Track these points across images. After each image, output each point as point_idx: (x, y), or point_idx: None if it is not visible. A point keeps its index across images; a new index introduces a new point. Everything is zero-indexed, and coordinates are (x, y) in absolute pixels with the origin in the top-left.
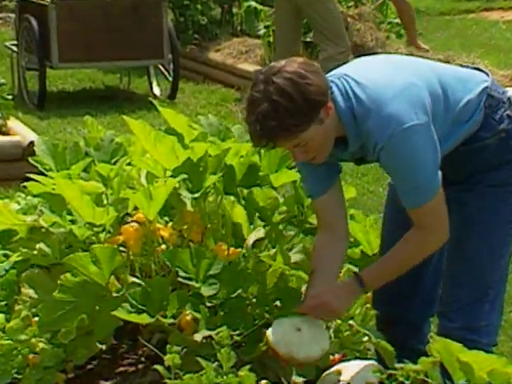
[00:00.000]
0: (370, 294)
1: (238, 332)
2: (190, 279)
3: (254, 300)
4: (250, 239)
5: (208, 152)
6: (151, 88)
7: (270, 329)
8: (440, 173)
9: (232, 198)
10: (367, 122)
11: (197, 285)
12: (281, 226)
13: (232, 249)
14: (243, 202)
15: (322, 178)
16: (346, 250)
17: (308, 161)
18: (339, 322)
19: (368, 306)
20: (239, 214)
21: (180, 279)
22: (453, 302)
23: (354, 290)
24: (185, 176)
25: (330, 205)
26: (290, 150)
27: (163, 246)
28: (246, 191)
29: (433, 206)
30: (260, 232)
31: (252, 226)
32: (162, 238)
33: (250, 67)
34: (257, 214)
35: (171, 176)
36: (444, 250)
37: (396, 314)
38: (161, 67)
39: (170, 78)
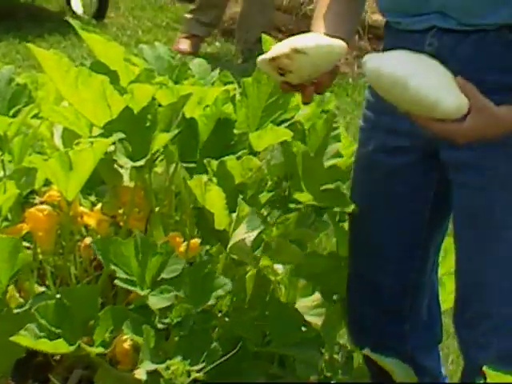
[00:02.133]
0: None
1: (198, 366)
2: (132, 283)
3: (226, 319)
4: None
5: (156, 99)
6: (68, 1)
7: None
8: None
9: (200, 175)
10: None
11: (142, 292)
12: (265, 209)
13: (194, 241)
14: (213, 179)
15: None
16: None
17: None
18: None
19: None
20: (214, 195)
21: (118, 283)
22: (481, 320)
23: None
24: (121, 135)
25: None
26: None
27: (88, 240)
28: (214, 162)
29: None
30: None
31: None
32: (87, 227)
33: None
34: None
35: (100, 135)
36: (435, 261)
37: (383, 346)
38: None
39: None
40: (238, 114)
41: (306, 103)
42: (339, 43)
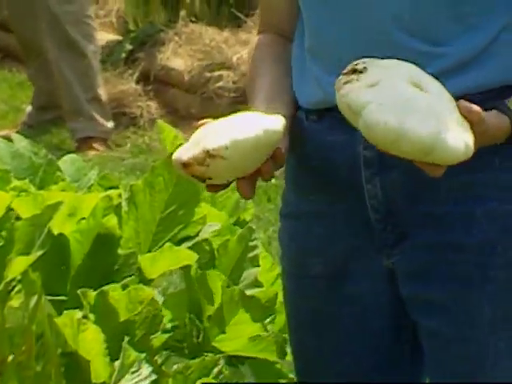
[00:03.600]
0: None
1: None
2: None
3: None
4: None
5: (13, 210)
6: None
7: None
8: None
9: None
10: None
11: None
12: (159, 357)
13: None
14: (90, 315)
15: None
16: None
17: None
18: None
19: None
20: (90, 337)
21: None
22: None
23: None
24: None
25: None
26: None
27: None
28: (92, 293)
29: None
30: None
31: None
32: None
33: None
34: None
35: None
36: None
37: None
38: None
39: None
40: (123, 228)
41: (246, 199)
42: (273, 128)
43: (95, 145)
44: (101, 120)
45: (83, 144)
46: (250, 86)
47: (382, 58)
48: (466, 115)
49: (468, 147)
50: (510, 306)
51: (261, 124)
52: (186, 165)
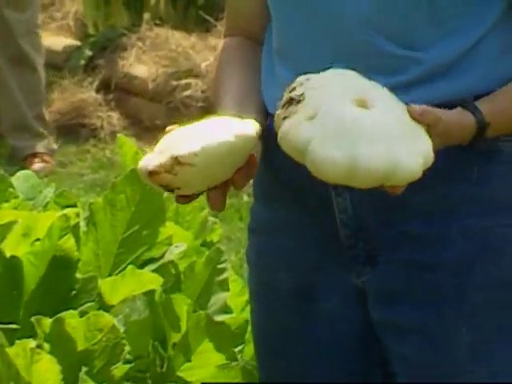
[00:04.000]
0: None
1: None
2: None
3: None
4: None
5: None
6: None
7: None
8: None
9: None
10: None
11: None
12: None
13: None
14: (44, 345)
15: None
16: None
17: None
18: None
19: None
20: (44, 368)
21: None
22: None
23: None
24: None
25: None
26: None
27: None
28: (47, 321)
29: None
30: None
31: None
32: None
33: None
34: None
35: None
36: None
37: None
38: None
39: None
40: (82, 250)
41: (216, 211)
42: (246, 133)
43: (44, 160)
44: (47, 136)
45: (31, 161)
46: (217, 90)
47: (349, 63)
48: (419, 119)
49: (426, 157)
50: (490, 328)
51: (233, 129)
52: (152, 173)
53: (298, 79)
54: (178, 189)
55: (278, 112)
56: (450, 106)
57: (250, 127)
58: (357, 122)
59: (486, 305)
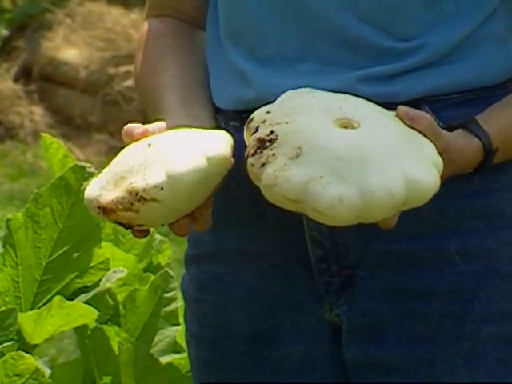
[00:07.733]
0: None
1: None
2: None
3: None
4: None
5: None
6: None
7: None
8: None
9: None
10: None
11: None
12: None
13: None
14: None
15: None
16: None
17: None
18: None
19: None
20: None
21: None
22: None
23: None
24: None
25: None
26: None
27: None
28: None
29: None
30: None
31: None
32: None
33: None
34: None
35: None
36: None
37: None
38: None
39: None
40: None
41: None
42: (220, 152)
43: None
44: None
45: None
46: (151, 90)
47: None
48: (415, 125)
49: (437, 164)
50: (494, 368)
51: (205, 148)
52: (106, 210)
53: (254, 116)
54: (140, 225)
55: (250, 161)
56: (446, 99)
57: (225, 144)
58: (353, 147)
59: (489, 341)
